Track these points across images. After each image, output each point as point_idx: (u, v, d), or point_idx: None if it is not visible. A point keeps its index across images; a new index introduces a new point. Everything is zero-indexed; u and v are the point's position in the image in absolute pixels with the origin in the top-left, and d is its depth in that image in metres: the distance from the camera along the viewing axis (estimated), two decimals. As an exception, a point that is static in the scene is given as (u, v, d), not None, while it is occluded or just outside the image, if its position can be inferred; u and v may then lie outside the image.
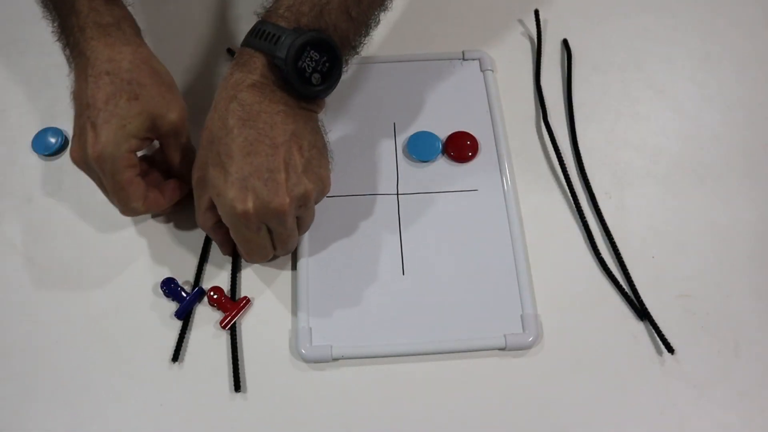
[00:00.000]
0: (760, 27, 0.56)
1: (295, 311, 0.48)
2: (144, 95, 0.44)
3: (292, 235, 0.46)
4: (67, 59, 0.48)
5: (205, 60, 0.61)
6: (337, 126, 0.56)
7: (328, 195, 0.52)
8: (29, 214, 0.53)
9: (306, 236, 0.50)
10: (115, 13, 0.46)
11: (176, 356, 0.47)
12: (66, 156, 0.55)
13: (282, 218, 0.43)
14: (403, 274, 0.49)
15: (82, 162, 0.45)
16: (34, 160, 0.55)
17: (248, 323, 0.48)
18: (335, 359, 0.46)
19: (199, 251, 0.51)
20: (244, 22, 0.62)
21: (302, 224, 0.47)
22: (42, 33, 0.50)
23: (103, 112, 0.43)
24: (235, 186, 0.42)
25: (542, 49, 0.61)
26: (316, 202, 0.46)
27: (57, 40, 0.48)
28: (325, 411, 0.45)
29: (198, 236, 0.51)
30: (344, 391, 0.46)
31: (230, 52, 0.61)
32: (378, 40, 0.62)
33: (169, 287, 0.49)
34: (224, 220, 0.44)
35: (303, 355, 0.46)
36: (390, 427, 0.45)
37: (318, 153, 0.45)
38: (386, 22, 0.63)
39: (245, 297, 0.49)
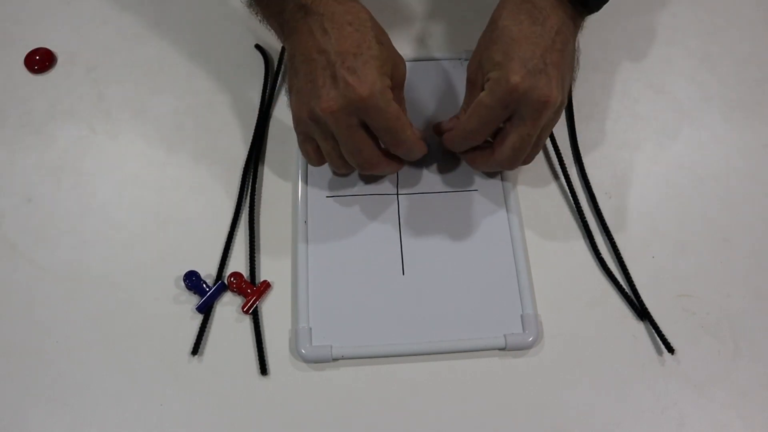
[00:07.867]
0: (760, 27, 0.56)
1: (295, 311, 0.48)
2: (385, 43, 0.45)
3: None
4: (280, 32, 0.49)
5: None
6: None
7: (327, 195, 0.52)
8: (29, 214, 0.53)
9: (306, 236, 0.51)
10: None
11: (196, 349, 0.47)
12: (65, 155, 0.55)
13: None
14: (403, 274, 0.49)
15: (344, 108, 0.43)
16: (34, 159, 0.55)
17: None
18: (335, 359, 0.46)
19: (222, 244, 0.51)
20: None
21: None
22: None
23: (360, 56, 0.43)
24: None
25: (542, 49, 0.61)
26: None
27: (266, 17, 0.50)
28: (325, 411, 0.45)
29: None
30: (344, 391, 0.46)
31: (259, 48, 0.60)
32: (378, 40, 0.62)
33: (191, 280, 0.49)
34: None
35: (303, 355, 0.46)
36: (390, 427, 0.45)
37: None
38: (386, 23, 0.63)
39: (265, 281, 0.49)
